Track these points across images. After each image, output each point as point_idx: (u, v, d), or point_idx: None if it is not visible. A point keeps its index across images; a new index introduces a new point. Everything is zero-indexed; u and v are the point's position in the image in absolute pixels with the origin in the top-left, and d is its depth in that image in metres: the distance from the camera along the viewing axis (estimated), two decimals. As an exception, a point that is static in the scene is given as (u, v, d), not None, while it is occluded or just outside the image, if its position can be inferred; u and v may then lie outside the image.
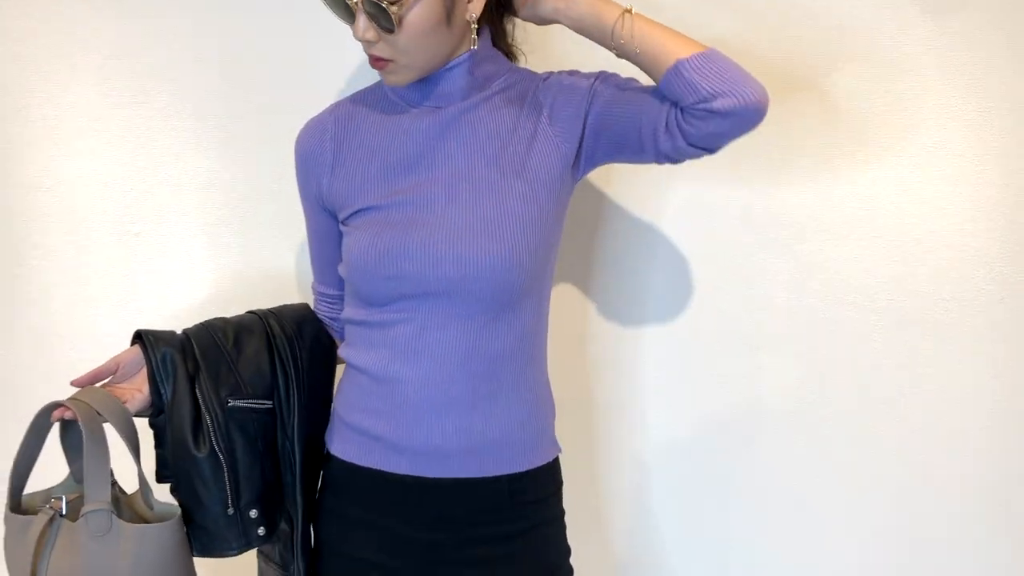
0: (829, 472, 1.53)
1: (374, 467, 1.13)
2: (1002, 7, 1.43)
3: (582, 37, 1.13)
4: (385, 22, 1.02)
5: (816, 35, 1.45)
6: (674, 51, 1.03)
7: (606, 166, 1.22)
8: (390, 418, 1.11)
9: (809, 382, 1.52)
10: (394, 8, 1.01)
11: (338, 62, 1.47)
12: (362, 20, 1.03)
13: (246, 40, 1.50)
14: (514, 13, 1.18)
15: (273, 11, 1.49)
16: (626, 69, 1.14)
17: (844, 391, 1.52)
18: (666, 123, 1.06)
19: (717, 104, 1.01)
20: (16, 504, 1.10)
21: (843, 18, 1.45)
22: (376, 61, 1.08)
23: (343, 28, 1.10)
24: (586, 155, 1.14)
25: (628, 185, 1.50)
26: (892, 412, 1.52)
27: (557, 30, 1.22)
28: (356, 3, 1.03)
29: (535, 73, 1.19)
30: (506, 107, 1.14)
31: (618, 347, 1.53)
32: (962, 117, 1.46)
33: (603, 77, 1.14)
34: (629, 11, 1.07)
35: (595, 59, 1.19)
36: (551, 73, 1.18)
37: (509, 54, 1.21)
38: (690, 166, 1.17)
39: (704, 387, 1.53)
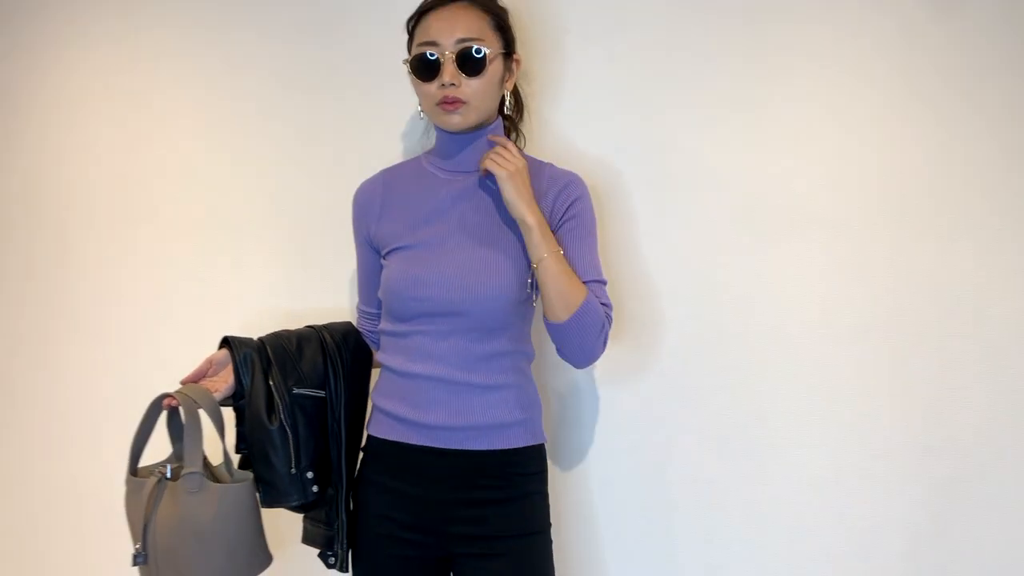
0: (829, 471, 1.68)
1: (399, 440, 1.48)
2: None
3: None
4: (474, 68, 1.41)
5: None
6: (553, 312, 1.41)
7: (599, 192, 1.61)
8: (410, 403, 1.46)
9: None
10: (482, 59, 1.40)
11: (386, 136, 1.87)
12: (451, 68, 1.41)
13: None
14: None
15: (344, 96, 1.92)
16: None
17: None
18: None
19: (561, 355, 1.46)
20: (134, 470, 1.48)
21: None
22: (451, 103, 1.43)
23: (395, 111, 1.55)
24: None
25: (621, 202, 1.77)
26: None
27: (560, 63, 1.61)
28: (448, 55, 1.40)
29: (541, 163, 1.55)
30: None
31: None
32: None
33: (582, 216, 1.48)
34: (544, 258, 1.40)
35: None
36: (573, 196, 1.49)
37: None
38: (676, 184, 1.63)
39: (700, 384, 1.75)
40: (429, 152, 1.59)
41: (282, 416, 1.44)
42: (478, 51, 1.41)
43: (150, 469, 1.48)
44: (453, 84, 1.42)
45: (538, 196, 1.48)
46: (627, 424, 1.77)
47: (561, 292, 1.39)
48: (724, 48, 1.69)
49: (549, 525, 1.52)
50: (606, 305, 1.46)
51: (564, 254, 1.44)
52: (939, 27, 1.60)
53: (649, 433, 1.76)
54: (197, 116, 2.05)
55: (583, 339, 1.41)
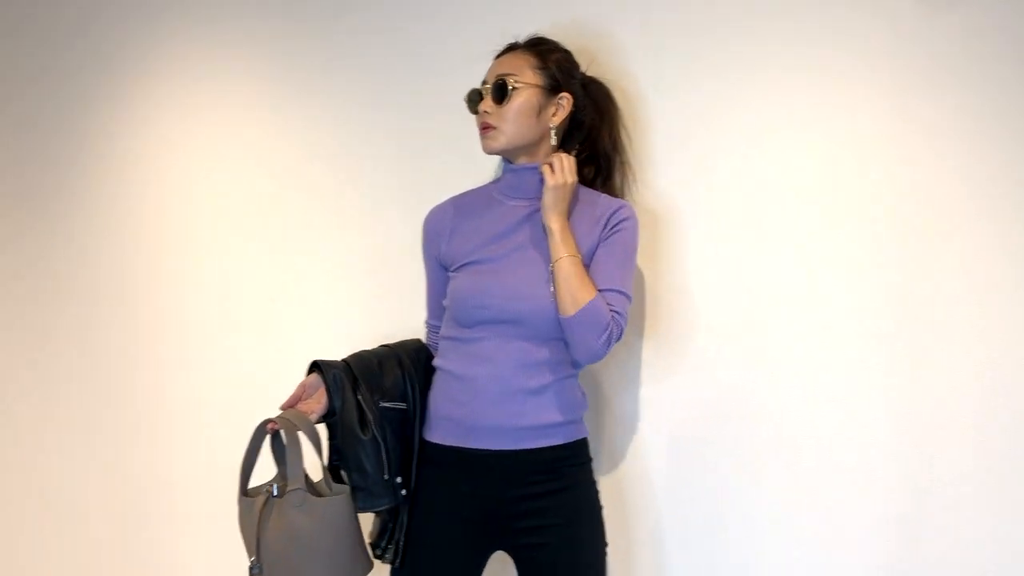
0: (826, 469, 1.73)
1: (454, 444, 1.61)
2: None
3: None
4: (500, 94, 1.60)
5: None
6: (562, 307, 1.54)
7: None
8: (467, 405, 1.59)
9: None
10: (509, 89, 1.60)
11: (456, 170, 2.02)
12: (487, 98, 1.62)
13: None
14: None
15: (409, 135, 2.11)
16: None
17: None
18: None
19: (569, 349, 1.59)
20: (244, 491, 1.64)
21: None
22: (485, 128, 1.63)
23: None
24: None
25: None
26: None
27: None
28: (486, 87, 1.62)
29: (597, 193, 1.70)
30: (575, 209, 1.64)
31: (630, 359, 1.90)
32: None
33: (624, 239, 1.62)
34: (562, 259, 1.55)
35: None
36: (620, 217, 1.63)
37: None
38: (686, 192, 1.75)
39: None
40: (496, 181, 1.76)
41: (373, 428, 1.59)
42: (505, 83, 1.60)
43: (259, 489, 1.63)
44: (487, 112, 1.62)
45: (592, 219, 1.63)
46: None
47: (570, 289, 1.53)
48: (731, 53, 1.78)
49: (601, 508, 1.65)
50: (617, 312, 1.56)
51: (595, 262, 1.60)
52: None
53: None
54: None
55: (585, 335, 1.53)
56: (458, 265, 1.67)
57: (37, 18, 2.71)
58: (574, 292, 1.53)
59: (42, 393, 2.71)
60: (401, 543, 1.63)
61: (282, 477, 1.64)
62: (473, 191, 1.78)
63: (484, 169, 1.95)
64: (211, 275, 2.41)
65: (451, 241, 1.70)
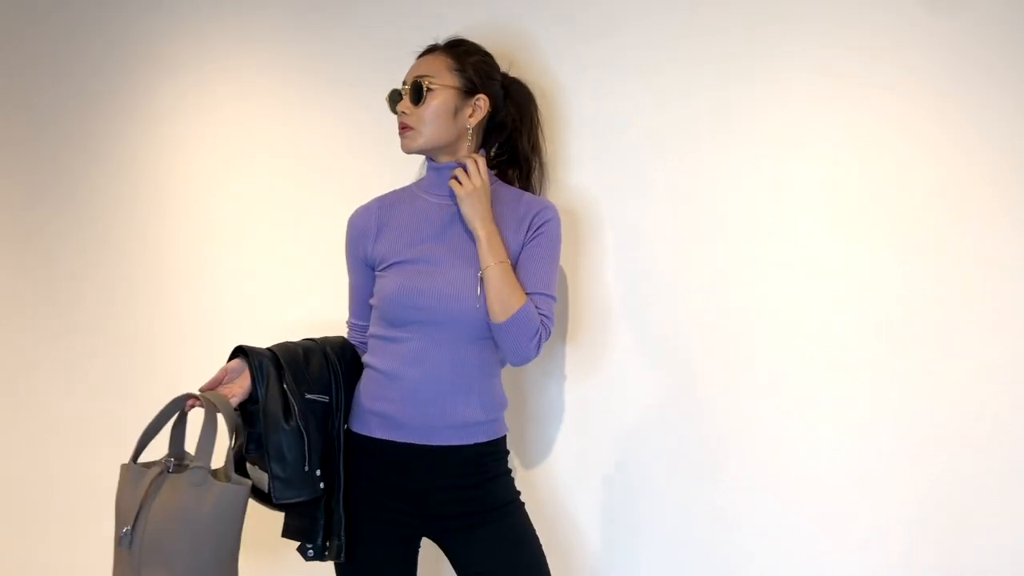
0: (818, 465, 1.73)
1: (384, 437, 1.65)
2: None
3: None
4: (417, 96, 1.68)
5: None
6: (492, 314, 1.62)
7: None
8: (397, 403, 1.64)
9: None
10: (425, 90, 1.67)
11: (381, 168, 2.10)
12: (405, 98, 1.69)
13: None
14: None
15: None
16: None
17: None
18: None
19: (500, 353, 1.69)
20: (135, 459, 1.59)
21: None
22: (403, 128, 1.70)
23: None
24: None
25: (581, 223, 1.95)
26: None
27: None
28: (405, 88, 1.69)
29: (520, 192, 1.78)
30: (498, 211, 1.70)
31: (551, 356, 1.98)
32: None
33: (546, 243, 1.71)
34: (490, 267, 1.63)
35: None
36: (544, 218, 1.72)
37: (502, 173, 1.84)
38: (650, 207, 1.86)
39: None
40: (421, 180, 1.82)
41: (297, 418, 1.61)
42: (421, 84, 1.68)
43: (153, 462, 1.59)
44: (404, 112, 1.70)
45: (516, 219, 1.71)
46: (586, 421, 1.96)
47: (501, 297, 1.61)
48: (722, 52, 1.83)
49: (518, 493, 1.72)
50: (545, 316, 1.66)
51: (521, 265, 1.68)
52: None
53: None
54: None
55: (517, 340, 1.62)
56: (386, 264, 1.71)
57: (57, 14, 2.76)
58: (504, 300, 1.61)
59: (62, 388, 2.77)
60: (343, 538, 1.63)
61: (177, 456, 1.61)
62: (397, 191, 1.83)
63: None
64: (233, 270, 2.41)
65: (377, 240, 1.74)
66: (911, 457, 1.65)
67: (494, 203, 1.71)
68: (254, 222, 2.42)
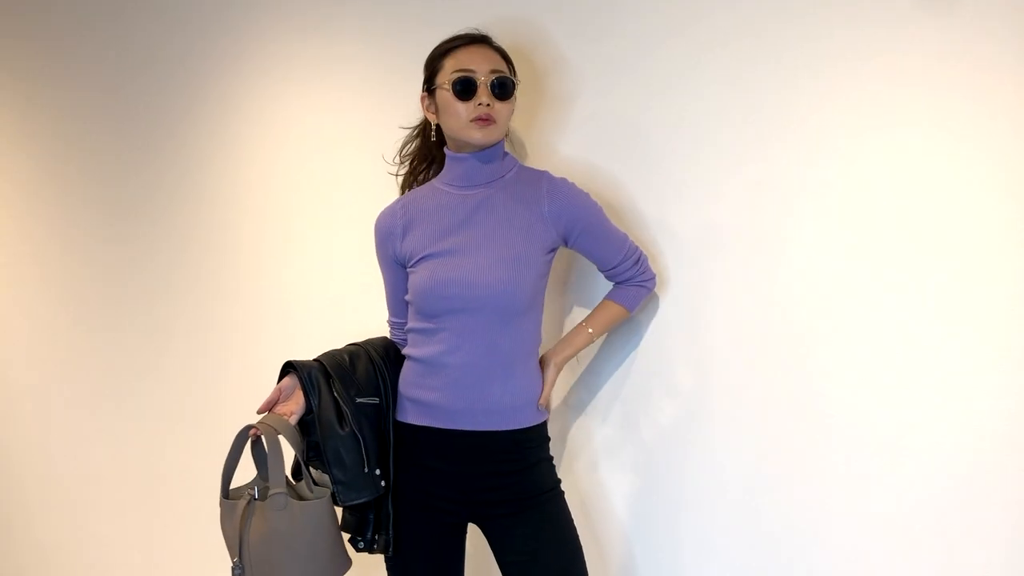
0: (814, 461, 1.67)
1: (427, 424, 1.69)
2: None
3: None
4: (504, 93, 1.68)
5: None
6: (621, 315, 1.79)
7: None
8: (439, 391, 1.67)
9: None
10: (513, 88, 1.70)
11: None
12: (486, 91, 1.66)
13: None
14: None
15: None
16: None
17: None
18: (613, 272, 1.77)
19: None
20: (226, 494, 1.68)
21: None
22: (485, 121, 1.66)
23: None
24: (565, 245, 1.75)
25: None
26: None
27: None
28: (483, 80, 1.66)
29: (535, 170, 1.76)
30: (518, 191, 1.71)
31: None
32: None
33: (587, 217, 1.71)
34: (584, 327, 1.79)
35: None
36: (555, 181, 1.71)
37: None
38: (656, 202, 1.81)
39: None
40: (440, 177, 1.80)
41: (351, 423, 1.66)
42: (509, 80, 1.69)
43: (240, 491, 1.68)
44: (488, 104, 1.66)
45: (539, 199, 1.70)
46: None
47: (615, 324, 1.83)
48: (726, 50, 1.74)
49: (559, 481, 1.74)
50: (634, 255, 1.74)
51: (587, 251, 1.75)
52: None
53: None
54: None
55: (644, 298, 1.80)
56: (416, 260, 1.73)
57: (146, 9, 2.76)
58: (616, 323, 1.83)
59: (154, 389, 2.87)
60: (391, 532, 1.71)
61: (263, 480, 1.69)
62: (418, 189, 1.83)
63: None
64: (318, 267, 2.43)
65: (404, 239, 1.76)
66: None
67: (518, 186, 1.73)
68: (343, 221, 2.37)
